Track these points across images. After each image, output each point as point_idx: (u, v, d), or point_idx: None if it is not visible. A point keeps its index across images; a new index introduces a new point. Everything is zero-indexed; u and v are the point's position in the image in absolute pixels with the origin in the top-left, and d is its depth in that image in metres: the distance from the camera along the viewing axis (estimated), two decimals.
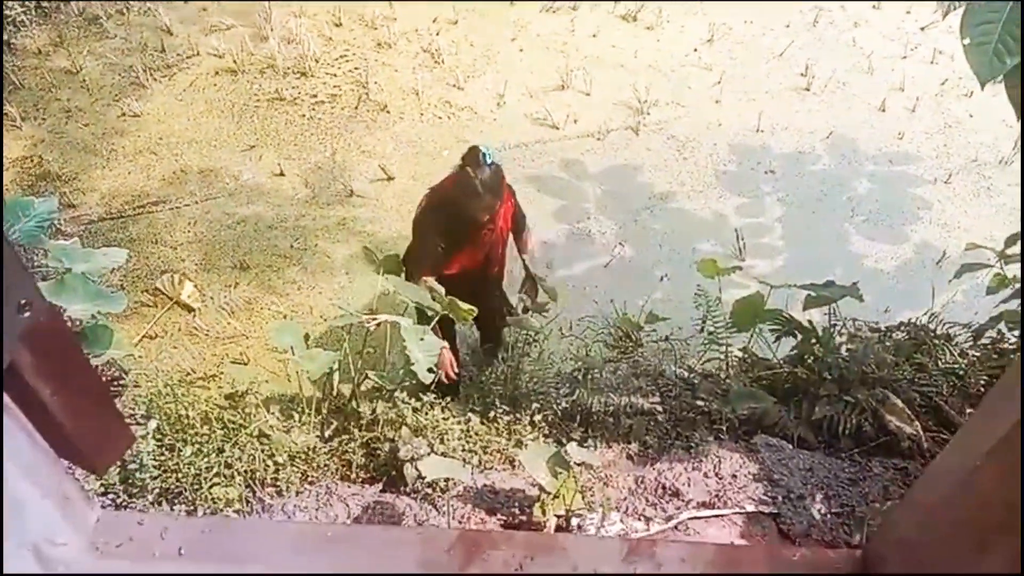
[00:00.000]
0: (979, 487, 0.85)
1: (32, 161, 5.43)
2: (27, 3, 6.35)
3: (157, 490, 2.86)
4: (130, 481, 2.85)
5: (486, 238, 3.55)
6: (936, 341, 3.57)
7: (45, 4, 6.52)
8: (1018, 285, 3.40)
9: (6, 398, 0.87)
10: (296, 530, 1.31)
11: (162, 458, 2.94)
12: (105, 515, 1.05)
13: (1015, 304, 3.50)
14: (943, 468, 0.98)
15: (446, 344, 3.38)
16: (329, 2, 6.68)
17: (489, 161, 3.26)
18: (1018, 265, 3.45)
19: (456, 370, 3.55)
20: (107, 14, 6.57)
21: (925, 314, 3.93)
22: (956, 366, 3.41)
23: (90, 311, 3.27)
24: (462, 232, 3.44)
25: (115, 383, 3.67)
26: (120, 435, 1.03)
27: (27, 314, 0.86)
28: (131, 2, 6.65)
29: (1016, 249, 3.41)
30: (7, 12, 6.19)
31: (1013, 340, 3.51)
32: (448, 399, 3.44)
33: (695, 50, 6.53)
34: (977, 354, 3.55)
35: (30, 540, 0.94)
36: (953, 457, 0.95)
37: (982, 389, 3.30)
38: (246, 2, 6.69)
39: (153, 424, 2.99)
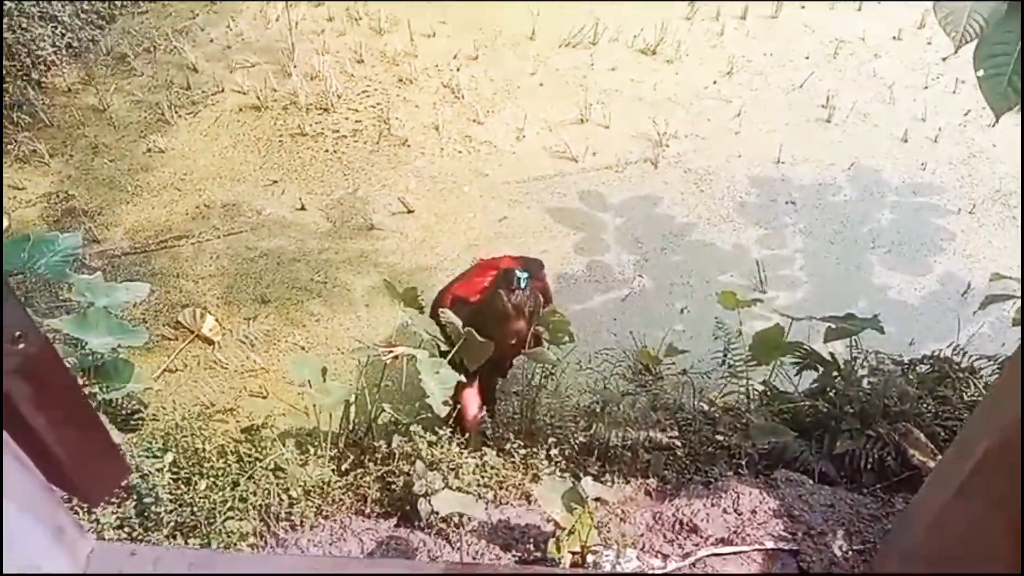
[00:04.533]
0: (949, 526, 0.84)
1: (59, 196, 5.53)
2: (58, 43, 6.51)
3: (172, 524, 2.86)
4: (146, 514, 2.85)
5: (509, 348, 3.65)
6: (960, 374, 3.51)
7: (75, 44, 6.67)
8: None
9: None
10: (286, 563, 1.30)
11: (177, 492, 2.94)
12: (99, 547, 1.05)
13: None
14: (916, 511, 0.96)
15: (462, 378, 3.38)
16: (342, 7, 6.78)
17: (524, 285, 3.36)
18: None
19: (479, 416, 3.60)
20: (135, 52, 6.71)
21: (949, 346, 3.86)
22: (981, 399, 3.34)
23: (111, 344, 3.32)
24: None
25: (134, 417, 3.69)
26: (114, 466, 1.03)
27: (22, 346, 0.86)
28: (158, 40, 6.80)
29: None
30: (38, 52, 6.35)
31: None
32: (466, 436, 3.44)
33: (714, 82, 6.54)
34: None
35: (23, 571, 0.94)
36: (925, 499, 0.93)
37: None
38: (270, 40, 6.82)
39: (169, 457, 3.00)
